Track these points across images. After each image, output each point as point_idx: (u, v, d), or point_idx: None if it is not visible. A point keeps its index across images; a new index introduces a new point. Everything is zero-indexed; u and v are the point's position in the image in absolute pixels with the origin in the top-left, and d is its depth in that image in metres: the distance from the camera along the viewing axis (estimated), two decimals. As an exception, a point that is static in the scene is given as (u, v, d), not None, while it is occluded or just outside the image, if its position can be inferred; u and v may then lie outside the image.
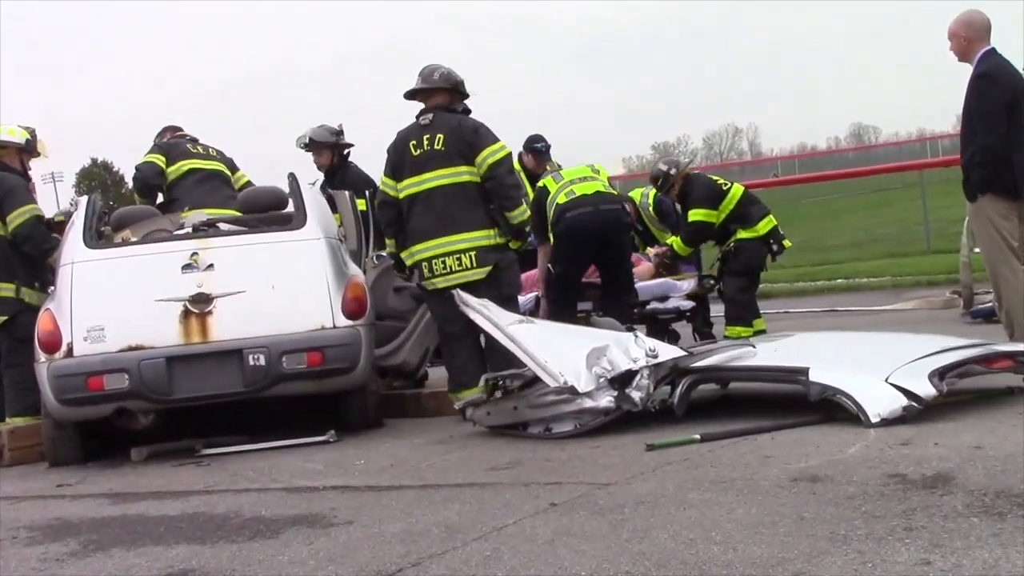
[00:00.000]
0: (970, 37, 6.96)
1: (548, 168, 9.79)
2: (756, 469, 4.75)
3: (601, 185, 8.72)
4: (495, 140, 7.10)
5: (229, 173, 8.96)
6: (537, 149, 10.17)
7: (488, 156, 7.02)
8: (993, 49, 6.97)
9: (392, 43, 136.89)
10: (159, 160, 8.83)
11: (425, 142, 7.11)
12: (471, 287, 6.95)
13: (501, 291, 7.07)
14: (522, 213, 7.16)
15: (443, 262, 7.03)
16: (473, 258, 7.01)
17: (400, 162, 7.20)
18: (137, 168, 8.94)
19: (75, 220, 7.45)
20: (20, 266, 7.91)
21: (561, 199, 8.61)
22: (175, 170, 8.77)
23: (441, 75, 7.25)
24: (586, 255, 8.72)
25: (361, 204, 8.62)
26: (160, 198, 8.92)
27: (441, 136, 7.09)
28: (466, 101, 7.34)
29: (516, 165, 9.38)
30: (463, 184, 7.07)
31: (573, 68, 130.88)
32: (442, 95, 7.25)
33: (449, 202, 7.06)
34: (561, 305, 8.58)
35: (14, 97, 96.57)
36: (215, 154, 9.03)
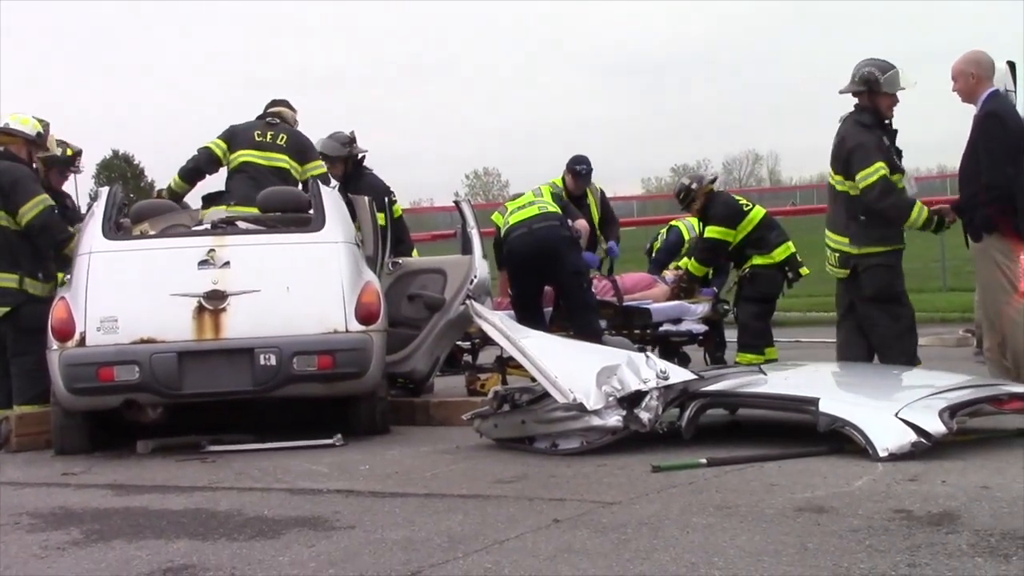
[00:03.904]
0: (979, 76, 7.00)
1: (588, 191, 9.75)
2: (761, 497, 4.73)
3: (537, 209, 8.76)
4: (867, 165, 7.22)
5: (295, 164, 8.71)
6: (577, 171, 9.68)
7: (860, 180, 7.25)
8: (997, 90, 7.00)
9: (410, 50, 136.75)
10: (219, 148, 8.69)
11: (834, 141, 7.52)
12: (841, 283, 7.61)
13: (862, 292, 7.44)
14: (917, 218, 7.28)
15: (828, 255, 7.61)
16: (837, 259, 7.49)
17: None
18: (197, 150, 8.80)
19: (95, 210, 7.47)
20: (25, 256, 7.81)
21: (503, 232, 8.84)
22: (233, 160, 8.64)
23: (861, 77, 7.38)
24: (529, 274, 8.77)
25: (381, 218, 8.58)
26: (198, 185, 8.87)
27: (837, 141, 7.47)
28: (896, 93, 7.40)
29: (558, 182, 9.42)
30: (838, 192, 7.47)
31: (592, 86, 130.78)
32: (862, 97, 7.41)
33: (833, 202, 7.58)
34: (524, 324, 8.44)
35: (36, 85, 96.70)
36: (283, 143, 8.73)
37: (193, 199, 8.91)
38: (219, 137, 8.78)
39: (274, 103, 9.07)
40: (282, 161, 8.68)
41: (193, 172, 8.82)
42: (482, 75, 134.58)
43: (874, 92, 7.32)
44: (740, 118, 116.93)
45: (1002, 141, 6.83)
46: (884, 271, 7.39)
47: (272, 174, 8.58)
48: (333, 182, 9.00)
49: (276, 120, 8.88)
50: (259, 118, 8.93)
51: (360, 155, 9.36)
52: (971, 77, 7.01)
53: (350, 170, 9.28)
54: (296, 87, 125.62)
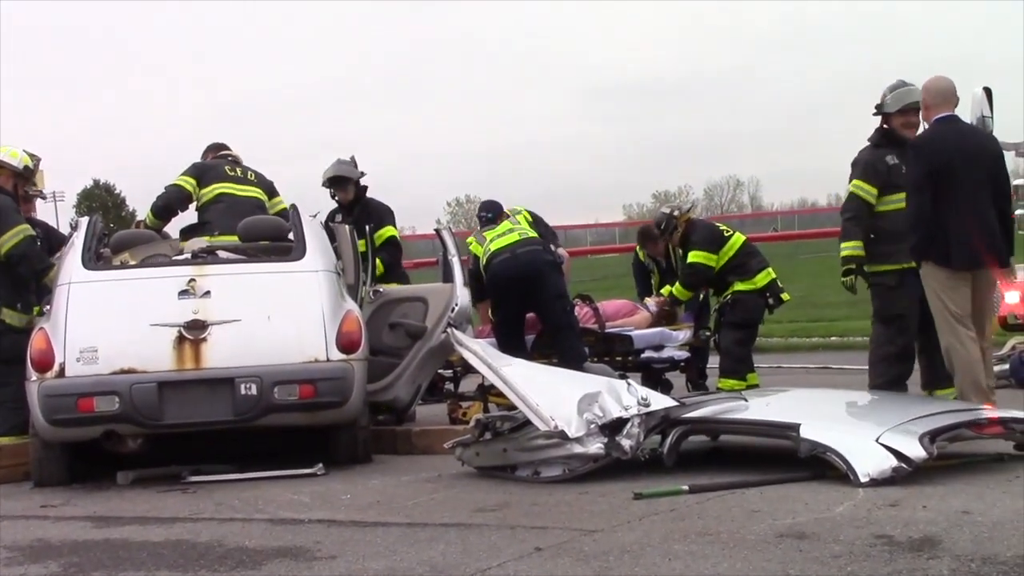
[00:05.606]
0: (927, 103, 7.02)
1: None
2: (743, 523, 4.73)
3: (518, 235, 8.83)
4: (853, 179, 7.53)
5: (265, 198, 8.78)
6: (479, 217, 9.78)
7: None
8: (945, 117, 6.95)
9: (392, 70, 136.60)
10: (188, 184, 8.63)
11: None
12: None
13: (873, 308, 7.63)
14: (849, 249, 7.48)
15: None
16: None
17: None
18: (165, 188, 8.75)
19: (75, 240, 7.46)
20: (3, 286, 7.80)
21: (484, 261, 8.83)
22: (207, 192, 8.60)
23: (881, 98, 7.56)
24: (513, 298, 8.78)
25: (390, 231, 9.03)
26: (173, 222, 8.86)
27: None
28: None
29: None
30: None
31: (574, 110, 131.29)
32: (883, 117, 7.55)
33: None
34: (507, 350, 8.21)
35: (20, 115, 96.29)
36: (253, 178, 8.82)
37: (172, 230, 8.90)
38: (186, 174, 8.74)
39: (219, 147, 9.16)
40: (258, 193, 8.74)
41: (165, 210, 8.75)
42: (464, 101, 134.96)
43: (881, 112, 7.49)
44: (721, 144, 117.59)
45: (915, 171, 6.88)
46: (886, 291, 7.43)
47: (252, 204, 8.60)
48: (317, 213, 9.02)
49: (236, 159, 9.00)
50: (212, 159, 9.00)
51: (362, 176, 9.47)
52: (921, 104, 7.08)
53: (359, 193, 9.35)
54: (287, 107, 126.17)
